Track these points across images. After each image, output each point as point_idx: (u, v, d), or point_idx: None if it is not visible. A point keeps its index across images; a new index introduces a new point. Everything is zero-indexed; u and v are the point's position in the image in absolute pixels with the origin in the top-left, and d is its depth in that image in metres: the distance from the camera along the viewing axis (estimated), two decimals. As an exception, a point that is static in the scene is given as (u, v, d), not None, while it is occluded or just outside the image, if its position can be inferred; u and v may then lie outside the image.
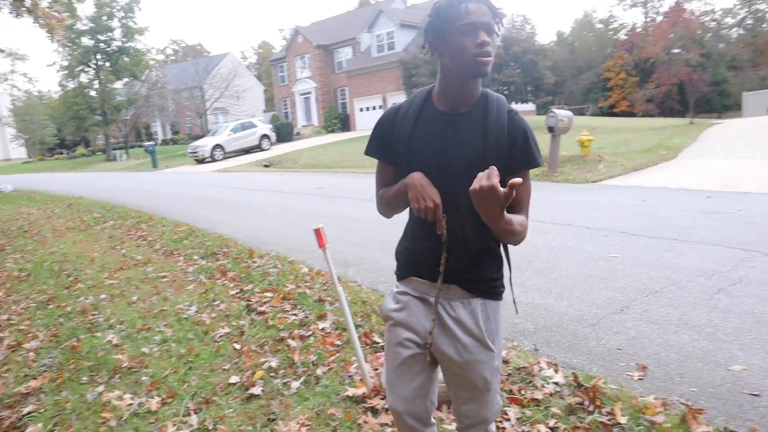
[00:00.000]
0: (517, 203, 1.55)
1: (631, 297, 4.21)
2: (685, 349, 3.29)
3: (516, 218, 1.47)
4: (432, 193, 1.51)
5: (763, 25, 56.53)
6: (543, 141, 15.57)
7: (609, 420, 2.47)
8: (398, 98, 33.38)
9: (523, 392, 2.82)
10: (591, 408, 2.59)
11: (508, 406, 2.67)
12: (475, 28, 1.47)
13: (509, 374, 3.03)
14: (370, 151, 1.70)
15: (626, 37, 54.31)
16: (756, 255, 4.97)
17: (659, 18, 54.78)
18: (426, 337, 1.63)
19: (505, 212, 1.35)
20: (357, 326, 3.77)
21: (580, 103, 48.96)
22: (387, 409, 2.81)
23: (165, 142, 47.66)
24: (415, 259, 1.67)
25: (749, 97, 38.47)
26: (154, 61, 43.52)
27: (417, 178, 1.53)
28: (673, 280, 4.50)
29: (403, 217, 1.77)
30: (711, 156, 12.74)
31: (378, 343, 3.63)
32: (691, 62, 41.99)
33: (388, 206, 1.69)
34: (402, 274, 1.72)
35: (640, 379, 2.99)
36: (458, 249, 1.57)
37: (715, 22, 58.22)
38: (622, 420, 2.45)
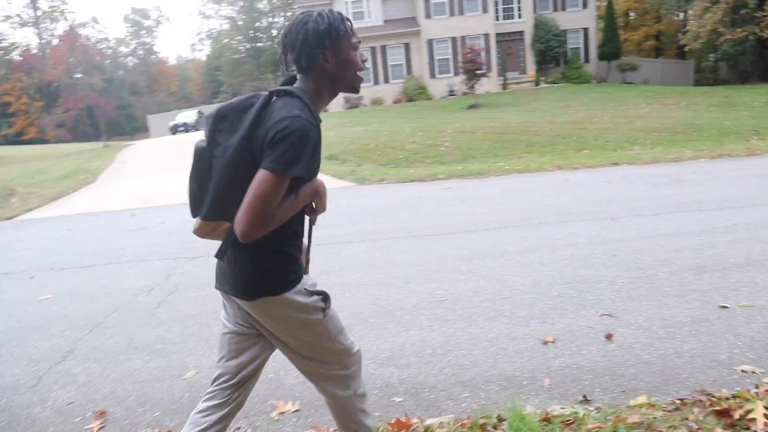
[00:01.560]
0: None
1: (73, 338, 3.79)
2: (140, 375, 3.16)
3: None
4: None
5: (152, 56, 62.72)
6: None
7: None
8: None
9: None
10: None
11: None
12: (359, 47, 1.61)
13: None
14: (309, 172, 1.54)
15: (21, 58, 50.40)
16: (184, 261, 5.35)
17: (55, 41, 53.12)
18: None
19: None
20: None
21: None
22: None
23: None
24: (300, 255, 1.73)
25: (153, 119, 42.16)
26: None
27: (322, 183, 1.63)
28: (115, 305, 4.33)
29: None
30: (129, 176, 13.26)
31: None
32: (95, 87, 42.87)
33: (283, 218, 1.55)
34: (301, 273, 1.74)
35: (101, 427, 2.67)
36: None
37: (111, 50, 60.92)
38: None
